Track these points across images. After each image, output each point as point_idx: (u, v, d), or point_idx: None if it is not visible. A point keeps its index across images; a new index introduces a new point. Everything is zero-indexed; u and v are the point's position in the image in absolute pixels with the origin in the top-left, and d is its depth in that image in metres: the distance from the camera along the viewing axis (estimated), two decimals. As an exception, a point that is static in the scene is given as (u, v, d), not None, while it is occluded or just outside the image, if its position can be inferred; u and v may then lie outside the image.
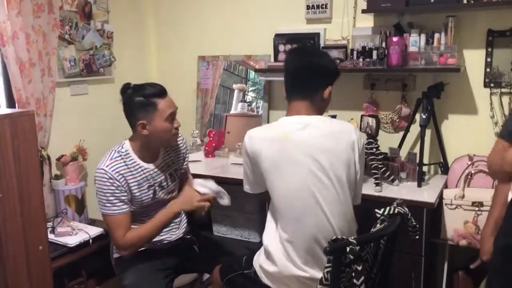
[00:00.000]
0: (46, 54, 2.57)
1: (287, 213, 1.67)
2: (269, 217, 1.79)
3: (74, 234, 2.47)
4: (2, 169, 1.87)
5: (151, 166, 2.05)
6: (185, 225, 2.22)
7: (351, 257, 1.40)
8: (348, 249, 1.41)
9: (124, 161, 1.98)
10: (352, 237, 1.45)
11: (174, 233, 2.14)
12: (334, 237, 1.45)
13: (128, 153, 2.01)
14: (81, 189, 2.75)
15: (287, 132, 1.68)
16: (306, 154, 1.65)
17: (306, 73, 1.74)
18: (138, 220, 2.07)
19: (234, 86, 3.17)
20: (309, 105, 1.74)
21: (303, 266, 1.66)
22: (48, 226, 2.32)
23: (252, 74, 3.09)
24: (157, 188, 2.07)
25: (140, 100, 1.95)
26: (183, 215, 2.26)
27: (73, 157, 2.75)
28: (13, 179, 1.91)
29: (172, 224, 2.13)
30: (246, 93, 3.16)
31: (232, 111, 3.19)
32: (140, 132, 1.96)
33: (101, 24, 2.99)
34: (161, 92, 1.98)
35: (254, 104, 3.11)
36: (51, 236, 2.38)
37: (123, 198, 1.95)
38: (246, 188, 1.86)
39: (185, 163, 2.26)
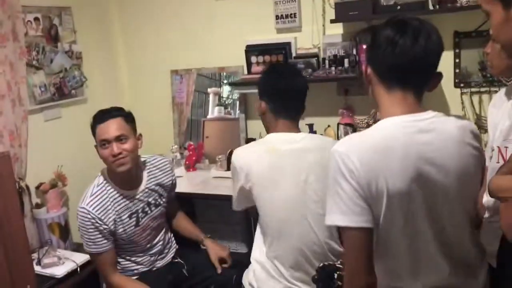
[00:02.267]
0: (15, 84, 2.52)
1: (275, 227, 1.71)
2: (257, 234, 1.83)
3: (61, 263, 2.45)
4: (-18, 215, 1.84)
5: (132, 193, 2.05)
6: (173, 250, 2.24)
7: (339, 283, 1.44)
8: (336, 275, 1.44)
9: (103, 193, 2.00)
10: (339, 261, 1.49)
11: (162, 259, 2.16)
12: (322, 264, 1.48)
13: (107, 184, 2.02)
14: (64, 215, 2.72)
15: (277, 147, 1.73)
16: (295, 168, 1.70)
17: (291, 95, 1.80)
18: (128, 250, 2.08)
19: (209, 90, 3.16)
20: (295, 123, 1.82)
21: (292, 280, 1.71)
22: (33, 257, 2.31)
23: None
24: (140, 214, 2.07)
25: (91, 126, 2.02)
26: (170, 239, 2.28)
27: (52, 184, 2.72)
28: (-6, 222, 1.89)
29: (158, 251, 2.15)
30: (222, 96, 3.15)
31: (209, 116, 3.18)
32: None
33: (69, 45, 2.94)
34: (102, 116, 1.98)
35: (230, 107, 3.12)
36: (37, 268, 2.35)
37: (105, 234, 1.98)
38: (239, 206, 1.88)
39: (172, 192, 2.26)
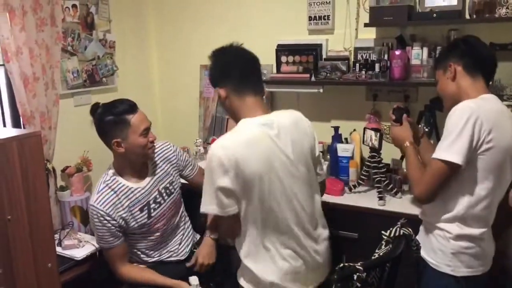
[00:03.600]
0: (49, 68, 2.58)
1: (272, 215, 1.66)
2: (251, 230, 1.69)
3: (81, 246, 2.49)
4: (11, 191, 1.89)
5: (141, 185, 2.07)
6: (191, 241, 2.25)
7: (358, 284, 1.44)
8: (355, 276, 1.44)
9: (112, 189, 2.02)
10: (359, 263, 1.49)
11: (179, 250, 2.17)
12: (341, 265, 1.48)
13: (115, 179, 2.05)
14: (86, 200, 2.76)
15: (261, 133, 1.64)
16: (283, 152, 1.66)
17: (252, 66, 1.75)
18: (143, 242, 2.11)
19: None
20: (262, 101, 1.75)
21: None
22: (55, 238, 2.36)
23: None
24: (152, 205, 2.08)
25: (111, 118, 1.99)
26: (189, 228, 2.28)
27: (77, 168, 2.78)
28: (22, 200, 1.93)
29: (176, 242, 2.17)
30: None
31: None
32: (116, 150, 2.00)
33: (103, 34, 3.00)
34: (131, 108, 2.00)
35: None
36: (58, 249, 2.39)
37: (114, 231, 2.00)
38: (213, 208, 1.65)
39: (188, 170, 2.26)
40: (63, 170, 2.75)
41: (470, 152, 1.64)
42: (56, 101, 2.64)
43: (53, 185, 2.65)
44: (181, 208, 2.28)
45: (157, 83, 3.44)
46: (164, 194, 2.13)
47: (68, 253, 2.43)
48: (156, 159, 2.17)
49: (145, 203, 2.07)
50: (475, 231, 1.73)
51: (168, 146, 2.24)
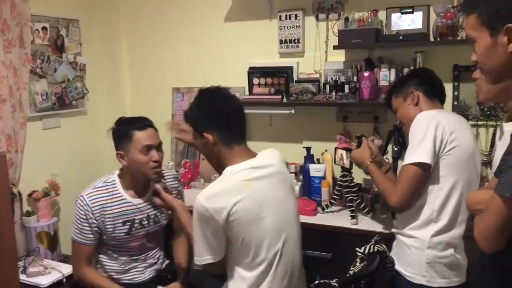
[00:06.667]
0: (17, 89, 2.53)
1: (265, 257, 1.61)
2: (240, 274, 1.65)
3: (47, 273, 2.41)
4: (-28, 214, 1.82)
5: (135, 201, 2.06)
6: (161, 266, 2.20)
7: (332, 301, 1.42)
8: (330, 293, 1.43)
9: (108, 191, 2.02)
10: (335, 280, 1.48)
11: (144, 273, 2.13)
12: (317, 282, 1.47)
13: (115, 184, 2.06)
14: (54, 225, 2.69)
15: (247, 179, 1.60)
16: (274, 194, 1.65)
17: (240, 117, 1.70)
18: (112, 254, 2.06)
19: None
20: (247, 146, 1.71)
21: None
22: (19, 265, 2.27)
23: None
24: (136, 224, 2.05)
25: (118, 130, 2.03)
26: (161, 257, 2.23)
27: (45, 193, 2.70)
28: (-16, 223, 1.86)
29: (144, 267, 2.12)
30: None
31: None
32: (120, 162, 2.02)
33: (74, 56, 2.97)
34: (141, 124, 2.02)
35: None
36: (22, 277, 2.32)
37: (93, 229, 1.99)
38: (208, 258, 1.62)
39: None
40: (29, 195, 2.66)
41: (435, 152, 1.74)
42: (23, 123, 2.58)
43: (18, 210, 2.56)
44: (161, 242, 2.23)
45: (128, 106, 3.41)
46: (151, 221, 2.10)
47: (33, 280, 2.34)
48: (166, 183, 2.16)
49: (130, 219, 2.04)
50: (448, 235, 1.78)
51: (177, 180, 2.25)
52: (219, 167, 1.68)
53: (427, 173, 1.75)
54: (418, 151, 1.74)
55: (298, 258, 1.74)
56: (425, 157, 1.73)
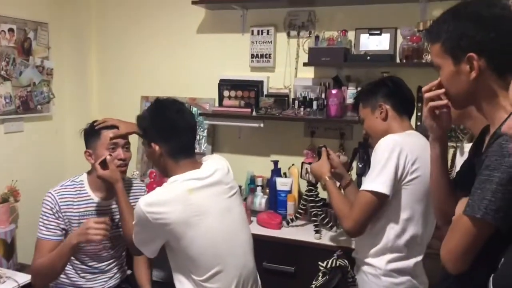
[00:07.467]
0: (-21, 91, 2.47)
1: (210, 262, 1.64)
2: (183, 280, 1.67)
3: (2, 282, 2.31)
4: None
5: (102, 202, 2.06)
6: (122, 275, 2.16)
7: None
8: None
9: (76, 190, 2.02)
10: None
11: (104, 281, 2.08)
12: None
13: (82, 183, 2.05)
14: (11, 232, 2.60)
15: (190, 189, 1.62)
16: (213, 203, 1.67)
17: (195, 134, 1.78)
18: (74, 258, 2.03)
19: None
20: (195, 159, 1.75)
21: None
22: (-28, 274, 2.19)
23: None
24: None
25: (89, 129, 2.04)
26: (123, 266, 2.20)
27: (3, 198, 2.62)
28: None
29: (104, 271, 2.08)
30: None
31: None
32: (88, 161, 2.02)
33: (41, 60, 2.91)
34: (111, 127, 2.03)
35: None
36: (-25, 286, 2.23)
37: (60, 225, 1.97)
38: (144, 250, 1.70)
39: None
40: (-13, 200, 2.58)
41: (396, 182, 1.72)
42: (-16, 126, 2.50)
43: (-26, 216, 2.47)
44: (123, 250, 2.19)
45: (96, 113, 3.35)
46: (114, 225, 2.07)
47: (-14, 290, 2.25)
48: (130, 193, 2.14)
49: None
50: (403, 263, 1.77)
51: (143, 191, 2.24)
52: (164, 174, 1.76)
53: (384, 202, 1.73)
54: (378, 180, 1.71)
55: (250, 259, 1.76)
56: (383, 188, 1.70)
